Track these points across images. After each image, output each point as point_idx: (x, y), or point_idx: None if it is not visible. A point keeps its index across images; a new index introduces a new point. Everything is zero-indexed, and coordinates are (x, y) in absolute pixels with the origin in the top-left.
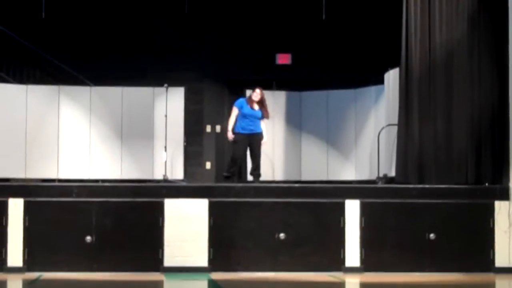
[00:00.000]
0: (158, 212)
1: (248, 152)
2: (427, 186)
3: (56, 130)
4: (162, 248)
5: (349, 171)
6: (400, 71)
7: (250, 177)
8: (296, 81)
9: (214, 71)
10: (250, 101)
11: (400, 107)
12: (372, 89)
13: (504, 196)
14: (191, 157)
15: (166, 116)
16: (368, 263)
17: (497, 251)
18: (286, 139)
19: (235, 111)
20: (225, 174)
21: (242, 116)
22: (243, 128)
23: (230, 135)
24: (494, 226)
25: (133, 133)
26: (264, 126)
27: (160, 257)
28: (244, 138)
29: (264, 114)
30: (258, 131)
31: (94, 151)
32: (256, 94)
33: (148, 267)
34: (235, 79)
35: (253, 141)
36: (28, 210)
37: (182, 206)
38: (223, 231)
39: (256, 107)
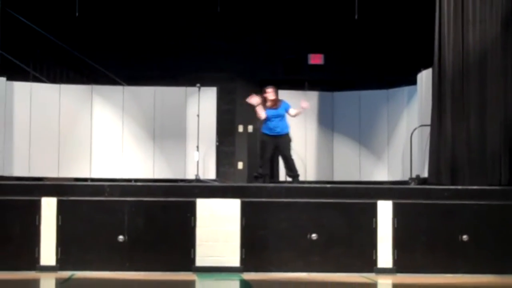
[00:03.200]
0: (190, 212)
1: (279, 156)
2: (460, 187)
3: (89, 129)
4: (194, 248)
5: (381, 172)
6: (433, 71)
7: (289, 179)
8: (328, 81)
9: (247, 71)
10: (264, 103)
11: (432, 108)
12: (405, 89)
13: None
14: (223, 157)
15: (198, 116)
16: (401, 264)
17: None
18: (318, 140)
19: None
20: (254, 174)
21: (266, 118)
22: (269, 130)
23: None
24: None
25: (166, 132)
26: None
27: (192, 256)
28: (271, 139)
29: (287, 111)
30: (284, 132)
31: (126, 151)
32: (270, 94)
33: (180, 267)
34: (268, 79)
35: (280, 143)
36: (61, 209)
37: (214, 206)
38: (255, 231)
39: (273, 106)
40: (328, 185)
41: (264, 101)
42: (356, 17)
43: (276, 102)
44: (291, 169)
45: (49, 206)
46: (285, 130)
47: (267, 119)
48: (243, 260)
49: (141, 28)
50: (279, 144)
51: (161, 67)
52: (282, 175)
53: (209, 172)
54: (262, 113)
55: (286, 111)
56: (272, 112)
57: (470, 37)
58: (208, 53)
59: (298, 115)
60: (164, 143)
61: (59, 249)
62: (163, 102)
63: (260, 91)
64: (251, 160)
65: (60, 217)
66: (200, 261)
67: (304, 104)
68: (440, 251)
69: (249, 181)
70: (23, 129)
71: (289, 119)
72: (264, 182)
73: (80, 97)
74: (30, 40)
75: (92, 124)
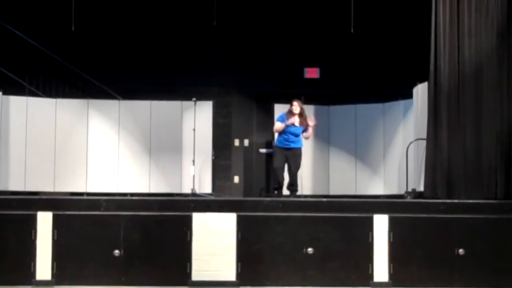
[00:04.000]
0: (186, 226)
1: (285, 167)
2: (456, 201)
3: (85, 143)
4: (190, 262)
5: (377, 186)
6: (429, 85)
7: (286, 192)
8: (324, 95)
9: (242, 85)
10: (290, 116)
11: (428, 121)
12: (401, 103)
13: None
14: (219, 171)
15: (194, 130)
16: (397, 278)
17: None
18: (314, 153)
19: (277, 123)
20: (274, 186)
21: (283, 131)
22: (280, 142)
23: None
24: None
25: (162, 147)
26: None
27: (188, 271)
28: (281, 151)
29: (306, 127)
30: (296, 146)
31: (122, 165)
32: (295, 107)
33: (176, 281)
34: (263, 93)
35: (290, 156)
36: (57, 223)
37: (210, 220)
38: (251, 245)
39: (297, 123)
40: (324, 199)
41: (289, 112)
42: (352, 30)
43: (301, 119)
44: (294, 183)
45: (44, 221)
46: (298, 145)
47: (283, 131)
48: (239, 274)
49: (137, 42)
50: (288, 157)
51: (157, 81)
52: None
53: (205, 186)
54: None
55: (301, 133)
56: (294, 129)
57: (465, 50)
58: (204, 67)
59: (308, 137)
60: (160, 157)
61: (55, 263)
62: (159, 116)
63: (256, 105)
64: (247, 174)
65: (55, 231)
66: (196, 276)
67: (311, 122)
68: (436, 265)
69: (245, 195)
70: (19, 143)
71: None
72: (282, 193)
73: (76, 111)
74: (26, 54)
75: (88, 138)
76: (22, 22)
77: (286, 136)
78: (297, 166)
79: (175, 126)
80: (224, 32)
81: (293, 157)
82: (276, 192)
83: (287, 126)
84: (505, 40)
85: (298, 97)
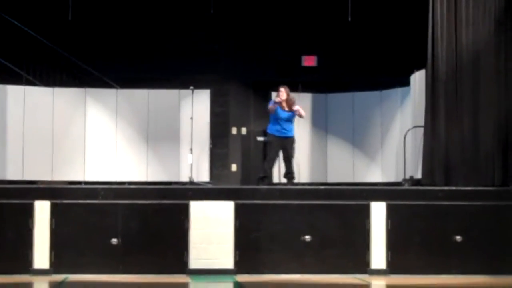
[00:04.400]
0: (183, 214)
1: (280, 156)
2: (453, 188)
3: (83, 132)
4: (188, 250)
5: (375, 173)
6: (426, 72)
7: (283, 180)
8: (321, 83)
9: (240, 73)
10: (278, 103)
11: (426, 109)
12: (398, 90)
13: None
14: (217, 159)
15: (192, 118)
16: (394, 265)
17: None
18: (312, 141)
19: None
20: (260, 175)
21: (275, 119)
22: (277, 131)
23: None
24: None
25: (159, 135)
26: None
27: (186, 259)
28: (277, 140)
29: (296, 113)
30: (290, 135)
31: (120, 154)
32: (281, 93)
33: (174, 269)
34: (261, 81)
35: (285, 144)
36: (55, 212)
37: (208, 208)
38: (249, 233)
39: (286, 108)
40: (322, 187)
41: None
42: (349, 19)
43: (288, 103)
44: (290, 171)
45: (42, 210)
46: (292, 133)
47: (276, 119)
48: (236, 262)
49: (134, 31)
50: (285, 146)
51: (154, 69)
52: (276, 177)
53: (202, 175)
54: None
55: (293, 119)
56: (284, 114)
57: (463, 38)
58: (201, 56)
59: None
60: (158, 146)
61: (53, 252)
62: (156, 104)
63: (253, 93)
64: (245, 162)
65: (53, 220)
66: (193, 264)
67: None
68: (433, 252)
69: (243, 183)
70: (17, 132)
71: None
72: (267, 183)
73: (74, 100)
74: (23, 44)
75: (86, 127)
76: (19, 12)
77: (280, 125)
78: (293, 154)
79: (173, 114)
80: (221, 20)
81: (289, 145)
82: (261, 180)
83: (275, 104)
84: (502, 28)
85: (295, 85)
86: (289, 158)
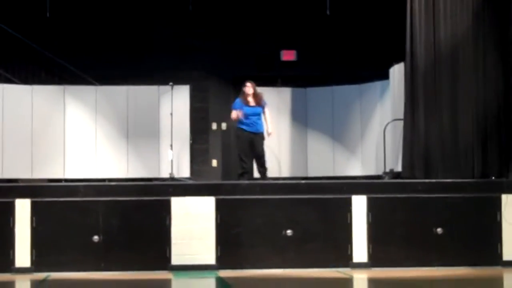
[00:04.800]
0: (165, 211)
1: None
2: (433, 180)
3: (62, 130)
4: (170, 247)
5: (355, 167)
6: (405, 65)
7: (257, 175)
8: (301, 77)
9: (219, 68)
10: (244, 97)
11: (405, 102)
12: (377, 84)
13: (511, 189)
14: (197, 155)
15: (171, 114)
16: (376, 258)
17: (504, 245)
18: (292, 136)
19: (234, 112)
20: (240, 171)
21: (244, 115)
22: (246, 125)
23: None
24: (501, 220)
25: (139, 132)
26: (269, 116)
27: (168, 255)
28: (246, 135)
29: (264, 109)
30: (260, 130)
31: (100, 151)
32: (248, 88)
33: (156, 266)
34: (240, 76)
35: (255, 139)
36: (35, 210)
37: (189, 204)
38: (230, 229)
39: (252, 102)
40: (303, 181)
41: (244, 96)
42: (328, 12)
43: (255, 99)
44: (262, 165)
45: (23, 208)
46: (261, 129)
47: (244, 115)
48: (218, 257)
49: (112, 27)
50: (254, 141)
51: (133, 66)
52: (256, 172)
53: (183, 171)
54: (236, 115)
55: (263, 109)
56: (251, 109)
57: (441, 31)
58: (180, 52)
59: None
60: (138, 142)
61: (34, 250)
62: (136, 101)
63: (233, 89)
64: (225, 157)
65: (34, 218)
66: (175, 260)
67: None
68: (414, 244)
69: (223, 178)
70: None
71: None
72: (247, 178)
73: (53, 97)
74: (1, 41)
75: (65, 124)
76: None
77: (249, 120)
78: (263, 148)
79: (152, 111)
80: (200, 16)
81: (258, 141)
82: (240, 176)
83: (240, 116)
84: (480, 21)
85: (275, 80)
86: (260, 154)
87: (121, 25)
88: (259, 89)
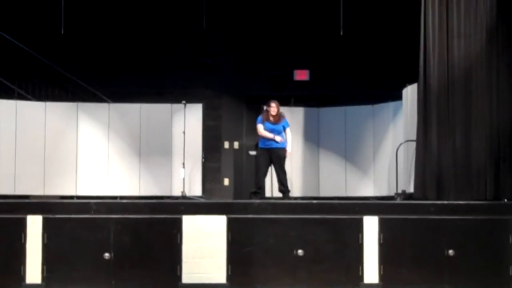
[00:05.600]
0: (176, 229)
1: (272, 168)
2: (445, 202)
3: (75, 147)
4: (180, 265)
5: (367, 187)
6: (418, 86)
7: (276, 194)
8: (314, 97)
9: (232, 87)
10: (267, 116)
11: (418, 123)
12: (390, 104)
13: None
14: (209, 173)
15: (184, 132)
16: (387, 279)
17: None
18: (304, 155)
19: (260, 126)
20: (252, 190)
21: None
22: (264, 143)
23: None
24: None
25: (151, 149)
26: (290, 136)
27: (178, 273)
28: (265, 152)
29: (285, 129)
30: (279, 146)
31: (112, 168)
32: (273, 109)
33: (166, 284)
34: (253, 96)
35: (274, 156)
36: (47, 227)
37: (200, 222)
38: (242, 248)
39: (274, 120)
40: (314, 201)
41: (267, 114)
42: (341, 33)
43: (278, 117)
44: (283, 184)
45: (34, 224)
46: (283, 145)
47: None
48: (229, 276)
49: (126, 45)
50: (273, 157)
51: (146, 84)
52: (268, 191)
53: (195, 189)
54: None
55: (284, 128)
56: (272, 126)
57: (455, 52)
58: (193, 70)
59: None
60: (150, 160)
61: (45, 267)
62: (148, 119)
63: (246, 108)
64: (237, 176)
65: (45, 235)
66: (186, 278)
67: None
68: (426, 266)
69: (235, 197)
70: (8, 147)
71: None
72: (260, 197)
73: (66, 114)
74: (15, 58)
75: (78, 141)
76: (11, 26)
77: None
78: (282, 165)
79: (165, 128)
80: (213, 35)
81: (277, 158)
82: (254, 194)
83: (269, 139)
84: (494, 42)
85: (288, 100)
86: (279, 171)
87: (135, 43)
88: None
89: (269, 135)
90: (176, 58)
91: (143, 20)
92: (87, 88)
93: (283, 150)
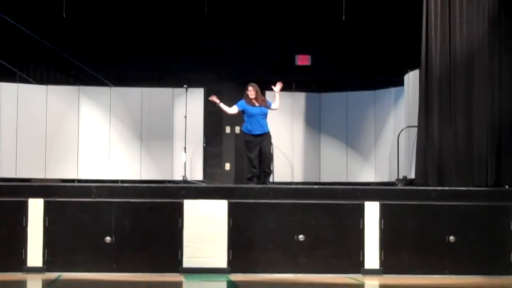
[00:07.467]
0: (177, 213)
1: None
2: (446, 188)
3: (76, 130)
4: (181, 249)
5: (368, 173)
6: (420, 72)
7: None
8: (315, 82)
9: (234, 72)
10: (248, 100)
11: (420, 109)
12: (392, 90)
13: None
14: (211, 158)
15: (185, 117)
16: (388, 265)
17: None
18: (305, 141)
19: (234, 108)
20: (248, 175)
21: (249, 116)
22: (253, 129)
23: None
24: None
25: (153, 133)
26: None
27: (179, 258)
28: (255, 138)
29: (270, 106)
30: (266, 130)
31: (113, 152)
32: (251, 92)
33: (167, 268)
34: (255, 80)
35: (263, 141)
36: (48, 210)
37: (202, 207)
38: (243, 233)
39: (257, 104)
40: (315, 186)
41: (246, 97)
42: (343, 18)
43: (258, 100)
44: (269, 167)
45: (36, 207)
46: (266, 129)
47: (250, 116)
48: (230, 261)
49: (128, 29)
50: (262, 143)
51: (148, 68)
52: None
53: (196, 173)
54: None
55: (269, 107)
56: (255, 109)
57: (457, 39)
58: (195, 54)
59: (278, 102)
60: (151, 144)
61: (46, 250)
62: (150, 103)
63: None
64: (238, 161)
65: (47, 218)
66: (187, 262)
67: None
68: (427, 252)
69: (236, 182)
70: (10, 130)
71: (277, 118)
72: (255, 182)
73: (67, 98)
74: (17, 41)
75: (79, 125)
76: (13, 9)
77: (255, 122)
78: (270, 150)
79: (166, 113)
80: (215, 19)
81: (266, 142)
82: (249, 180)
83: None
84: (496, 29)
85: (289, 84)
86: (268, 155)
87: (137, 27)
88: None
89: (216, 100)
90: (178, 43)
91: (145, 4)
92: (88, 72)
93: (269, 133)
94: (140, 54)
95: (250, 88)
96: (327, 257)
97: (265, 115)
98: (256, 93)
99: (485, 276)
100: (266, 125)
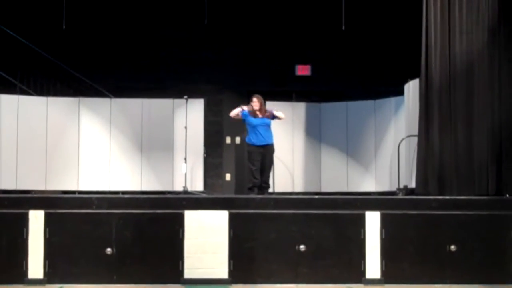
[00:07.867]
0: (178, 224)
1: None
2: (447, 197)
3: (77, 142)
4: (182, 260)
5: (369, 183)
6: (420, 82)
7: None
8: (315, 93)
9: (234, 82)
10: (254, 113)
11: (420, 118)
12: (392, 100)
13: None
14: (211, 168)
15: (186, 127)
16: (389, 275)
17: None
18: (305, 151)
19: (238, 109)
20: (249, 186)
21: (252, 127)
22: (256, 140)
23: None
24: None
25: (153, 144)
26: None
27: (180, 269)
28: (257, 149)
29: (274, 117)
30: (270, 142)
31: (114, 163)
32: (255, 104)
33: (168, 279)
34: (255, 91)
35: (265, 153)
36: (49, 222)
37: (202, 217)
38: (243, 243)
39: (260, 115)
40: (316, 196)
41: (253, 111)
42: (343, 28)
43: (262, 112)
44: (267, 181)
45: (36, 219)
46: (271, 140)
47: (253, 128)
48: (231, 271)
49: (128, 40)
50: (265, 154)
51: (148, 79)
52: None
53: (196, 184)
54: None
55: (273, 118)
56: (258, 121)
57: (457, 48)
58: (195, 65)
59: (280, 112)
60: (152, 155)
61: (47, 262)
62: (150, 114)
63: (247, 103)
64: (239, 171)
65: (47, 229)
66: (188, 273)
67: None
68: (428, 261)
69: (237, 192)
70: (10, 142)
71: (277, 128)
72: (258, 192)
73: (68, 109)
74: (17, 53)
75: (80, 136)
76: (13, 21)
77: (258, 134)
78: (271, 163)
79: (167, 124)
80: (215, 30)
81: (269, 154)
82: (249, 190)
83: (241, 109)
84: (496, 38)
85: (289, 95)
86: (268, 168)
87: (137, 38)
88: (274, 104)
89: (236, 110)
90: (178, 53)
91: (145, 15)
92: (89, 83)
93: (272, 146)
94: (140, 65)
95: (254, 99)
96: (328, 267)
97: (268, 126)
98: (261, 104)
99: (486, 285)
100: (269, 137)
